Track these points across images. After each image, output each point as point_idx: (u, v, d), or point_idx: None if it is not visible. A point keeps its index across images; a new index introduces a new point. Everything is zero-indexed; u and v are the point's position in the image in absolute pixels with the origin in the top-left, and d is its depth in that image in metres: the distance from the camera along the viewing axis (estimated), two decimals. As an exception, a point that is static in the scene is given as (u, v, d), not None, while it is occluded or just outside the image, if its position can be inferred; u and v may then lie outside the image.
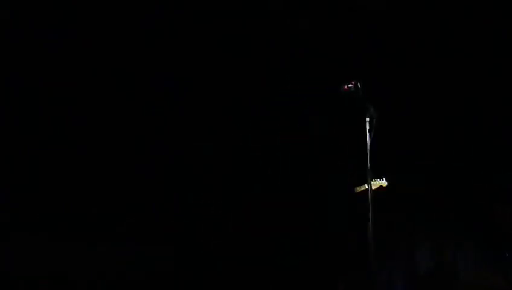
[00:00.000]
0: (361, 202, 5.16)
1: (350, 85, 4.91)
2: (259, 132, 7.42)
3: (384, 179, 6.83)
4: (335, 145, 7.02)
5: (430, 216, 7.64)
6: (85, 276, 6.64)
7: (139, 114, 7.35)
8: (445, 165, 7.53)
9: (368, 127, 4.84)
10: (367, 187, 4.98)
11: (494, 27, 7.26)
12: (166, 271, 6.94)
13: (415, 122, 7.58)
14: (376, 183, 6.76)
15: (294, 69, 7.60)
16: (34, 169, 6.90)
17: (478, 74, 7.40)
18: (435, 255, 7.67)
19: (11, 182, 6.72)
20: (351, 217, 6.52)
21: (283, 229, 6.98)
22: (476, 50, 7.37)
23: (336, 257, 6.66)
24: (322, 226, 7.01)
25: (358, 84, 4.88)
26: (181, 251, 7.06)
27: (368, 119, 4.88)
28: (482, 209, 7.40)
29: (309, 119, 7.29)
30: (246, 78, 7.57)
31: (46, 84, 6.94)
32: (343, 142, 6.78)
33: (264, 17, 7.50)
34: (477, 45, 7.36)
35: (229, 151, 7.64)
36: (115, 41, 7.19)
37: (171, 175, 7.43)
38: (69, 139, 7.06)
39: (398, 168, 7.38)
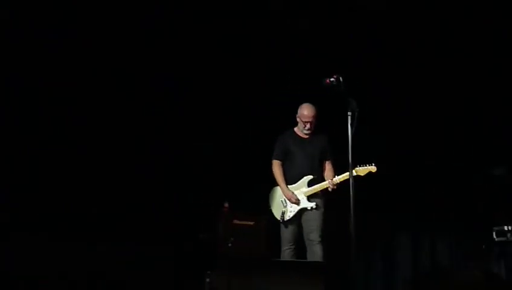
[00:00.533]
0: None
1: (332, 79, 4.87)
2: (259, 132, 7.42)
3: (373, 164, 6.40)
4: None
5: (430, 216, 7.62)
6: (85, 276, 6.63)
7: (139, 114, 7.36)
8: (445, 165, 7.50)
9: (349, 121, 4.79)
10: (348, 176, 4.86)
11: (494, 27, 7.23)
12: (166, 271, 6.92)
13: (415, 122, 7.56)
14: (363, 170, 6.38)
15: (294, 69, 7.60)
16: (34, 169, 6.91)
17: (478, 74, 7.37)
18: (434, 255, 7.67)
19: (11, 182, 6.73)
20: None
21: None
22: (475, 49, 7.34)
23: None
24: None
25: (340, 78, 4.84)
26: (181, 251, 7.06)
27: (349, 113, 4.82)
28: (481, 208, 7.36)
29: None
30: (245, 78, 7.57)
31: (46, 84, 6.96)
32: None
33: (264, 17, 7.50)
34: (476, 44, 7.34)
35: (229, 151, 7.65)
36: (114, 41, 7.21)
37: (171, 175, 7.44)
38: (69, 139, 7.08)
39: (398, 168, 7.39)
